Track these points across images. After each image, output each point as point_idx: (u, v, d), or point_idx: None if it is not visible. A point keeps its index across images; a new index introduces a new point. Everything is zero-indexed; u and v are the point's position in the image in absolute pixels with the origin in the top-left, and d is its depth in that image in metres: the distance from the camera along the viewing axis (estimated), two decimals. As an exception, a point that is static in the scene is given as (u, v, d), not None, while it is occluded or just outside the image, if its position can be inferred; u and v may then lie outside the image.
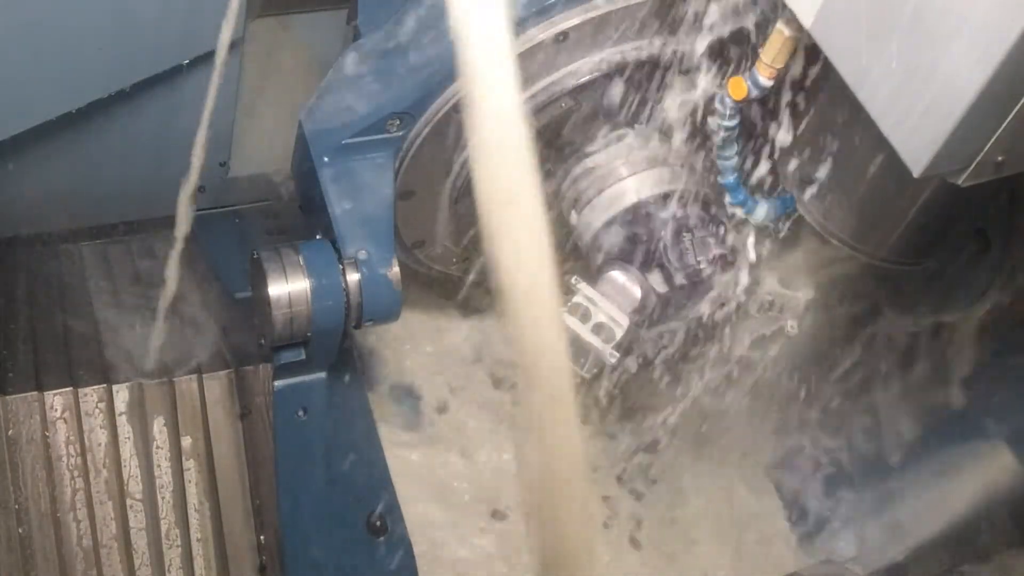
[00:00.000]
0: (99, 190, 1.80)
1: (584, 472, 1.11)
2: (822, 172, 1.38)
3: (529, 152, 0.93)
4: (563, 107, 1.50)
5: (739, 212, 1.50)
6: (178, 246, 1.65)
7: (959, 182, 1.06)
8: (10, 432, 1.56)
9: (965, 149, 1.03)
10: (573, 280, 1.50)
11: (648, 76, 1.48)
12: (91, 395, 1.59)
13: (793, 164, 1.42)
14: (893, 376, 1.88)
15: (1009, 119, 0.99)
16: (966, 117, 0.97)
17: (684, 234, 1.49)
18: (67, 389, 1.58)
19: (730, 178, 1.46)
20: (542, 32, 1.40)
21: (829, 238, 1.43)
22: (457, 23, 0.91)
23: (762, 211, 1.49)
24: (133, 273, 1.85)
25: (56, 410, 1.58)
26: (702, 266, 1.49)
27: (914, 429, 1.87)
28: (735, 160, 1.44)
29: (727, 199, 1.49)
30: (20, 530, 1.55)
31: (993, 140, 1.01)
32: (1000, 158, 1.04)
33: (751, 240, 1.50)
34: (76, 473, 1.58)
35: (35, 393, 1.57)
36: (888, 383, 1.89)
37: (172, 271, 1.65)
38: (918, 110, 1.02)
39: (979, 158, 1.03)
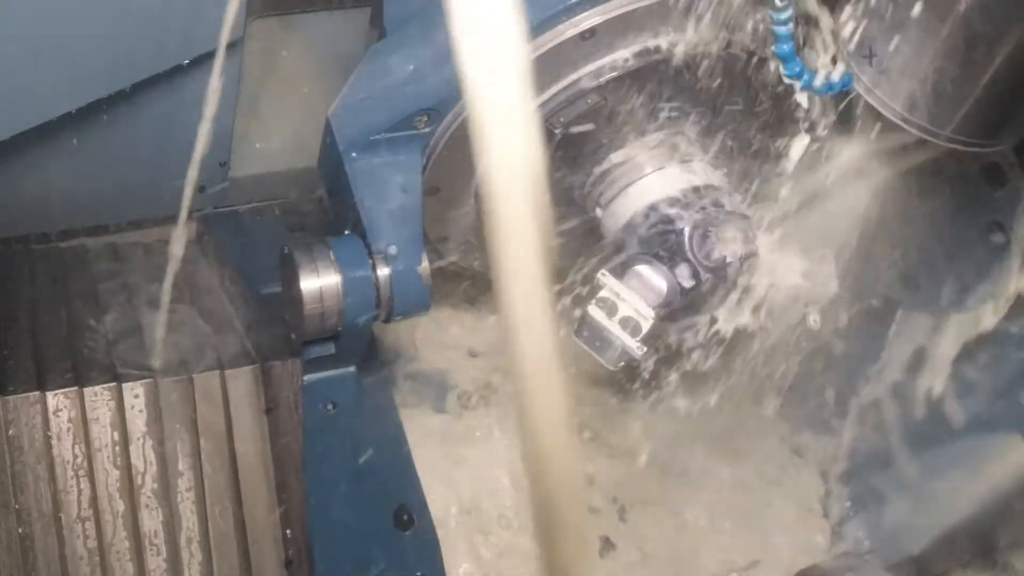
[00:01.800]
0: (99, 190, 1.80)
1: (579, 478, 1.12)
2: (884, 44, 1.33)
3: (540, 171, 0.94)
4: (589, 103, 1.50)
5: (796, 85, 1.44)
6: (178, 246, 1.65)
7: None
8: (10, 432, 1.55)
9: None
10: (599, 274, 1.50)
11: (675, 71, 1.49)
12: (99, 394, 1.58)
13: (852, 35, 1.37)
14: (910, 369, 1.90)
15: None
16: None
17: (710, 229, 1.49)
18: (72, 389, 1.57)
19: (784, 47, 1.39)
20: (568, 29, 1.41)
21: (889, 115, 1.39)
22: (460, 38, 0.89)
23: (818, 83, 1.42)
24: (143, 271, 1.85)
25: (60, 410, 1.56)
26: (728, 260, 1.51)
27: (932, 422, 1.89)
28: (790, 26, 1.37)
29: (781, 70, 1.43)
30: (20, 530, 1.54)
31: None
32: None
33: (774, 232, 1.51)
34: (81, 474, 1.56)
35: (37, 393, 1.56)
36: (905, 376, 1.91)
37: (174, 271, 1.65)
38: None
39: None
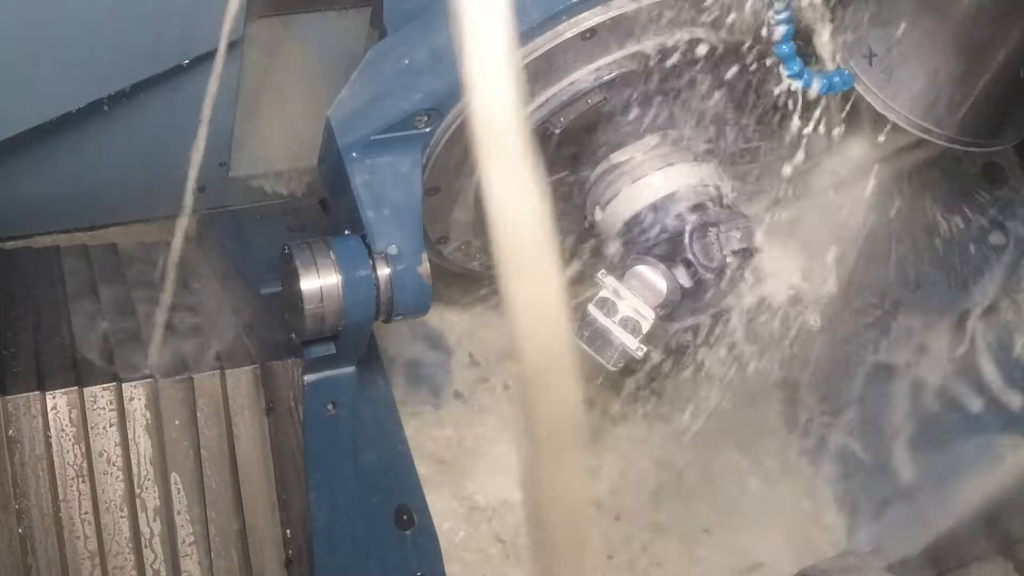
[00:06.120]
0: (99, 190, 1.81)
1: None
2: (883, 44, 1.32)
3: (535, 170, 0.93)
4: (589, 103, 1.51)
5: (794, 85, 1.42)
6: (178, 246, 1.65)
7: None
8: (10, 432, 1.54)
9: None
10: (599, 274, 1.51)
11: (676, 71, 1.49)
12: (99, 394, 1.58)
13: (852, 35, 1.37)
14: (912, 368, 1.90)
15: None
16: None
17: (709, 228, 1.50)
18: (72, 388, 1.57)
19: (784, 47, 1.37)
20: (569, 29, 1.41)
21: (889, 116, 1.39)
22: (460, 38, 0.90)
23: (817, 84, 1.41)
24: (143, 271, 1.85)
25: (61, 411, 1.56)
26: (727, 260, 1.51)
27: (935, 422, 1.89)
28: (790, 26, 1.35)
29: (781, 71, 1.41)
30: (20, 530, 1.54)
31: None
32: None
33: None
34: (82, 474, 1.56)
35: (37, 393, 1.55)
36: (907, 376, 1.91)
37: (174, 271, 1.65)
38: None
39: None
